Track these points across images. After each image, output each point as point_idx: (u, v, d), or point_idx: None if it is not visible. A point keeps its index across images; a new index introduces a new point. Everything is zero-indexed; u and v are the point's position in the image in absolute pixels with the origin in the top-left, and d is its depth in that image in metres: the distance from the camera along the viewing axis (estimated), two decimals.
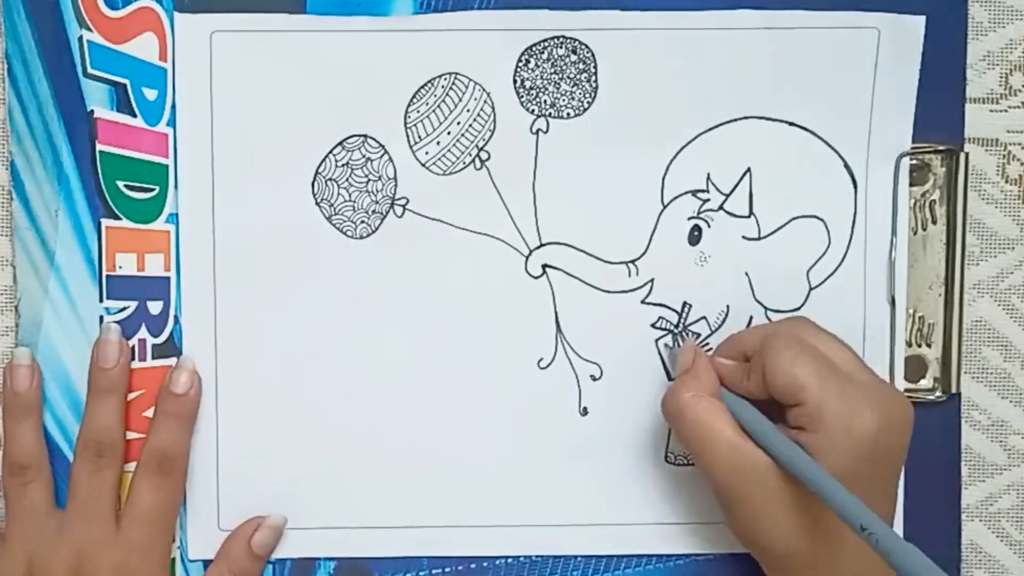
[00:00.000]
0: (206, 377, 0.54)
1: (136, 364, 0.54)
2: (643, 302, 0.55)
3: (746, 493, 0.48)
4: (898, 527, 0.55)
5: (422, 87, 0.53)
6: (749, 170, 0.54)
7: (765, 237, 0.54)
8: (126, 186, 0.53)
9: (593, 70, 0.53)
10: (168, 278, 0.54)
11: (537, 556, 0.55)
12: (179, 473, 0.53)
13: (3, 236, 0.54)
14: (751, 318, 0.55)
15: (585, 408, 0.55)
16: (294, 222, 0.54)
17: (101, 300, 0.54)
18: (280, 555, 0.55)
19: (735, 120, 0.54)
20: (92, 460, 0.52)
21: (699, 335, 0.55)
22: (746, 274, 0.55)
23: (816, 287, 0.55)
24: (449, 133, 0.53)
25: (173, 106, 0.53)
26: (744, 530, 0.49)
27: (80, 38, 0.52)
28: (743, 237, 0.54)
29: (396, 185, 0.54)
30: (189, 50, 0.53)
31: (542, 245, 0.54)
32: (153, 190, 0.53)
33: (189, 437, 0.54)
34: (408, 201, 0.54)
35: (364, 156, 0.54)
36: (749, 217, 0.54)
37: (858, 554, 0.47)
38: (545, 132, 0.54)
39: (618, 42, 0.53)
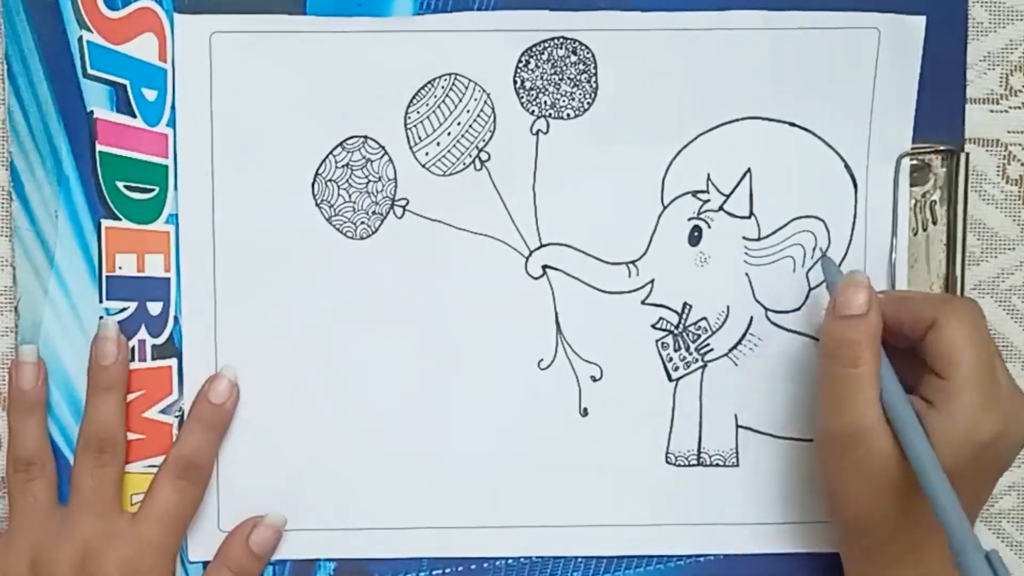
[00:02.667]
0: (205, 377, 0.54)
1: (136, 365, 0.54)
2: (643, 303, 0.55)
3: (860, 462, 0.48)
4: None
5: (422, 88, 0.53)
6: (749, 170, 0.54)
7: (765, 237, 0.54)
8: (126, 187, 0.53)
9: (593, 71, 0.53)
10: (168, 279, 0.54)
11: (537, 557, 0.55)
12: (203, 480, 0.53)
13: (3, 236, 0.54)
14: (751, 318, 0.55)
15: (585, 408, 0.55)
16: (294, 223, 0.54)
17: (101, 300, 0.54)
18: (280, 556, 0.55)
19: (735, 120, 0.54)
20: (94, 456, 0.52)
21: (701, 335, 0.55)
22: (746, 275, 0.55)
23: (816, 287, 0.54)
24: (449, 134, 0.53)
25: (173, 106, 0.53)
26: (841, 493, 0.49)
27: (80, 38, 0.52)
28: (743, 237, 0.54)
29: (396, 186, 0.54)
30: (189, 50, 0.53)
31: (542, 246, 0.54)
32: (153, 190, 0.53)
33: (218, 446, 0.54)
34: (408, 202, 0.54)
35: (364, 157, 0.54)
36: (749, 217, 0.54)
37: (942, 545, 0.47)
38: (545, 133, 0.54)
39: (618, 42, 0.53)
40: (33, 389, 0.53)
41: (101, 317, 0.53)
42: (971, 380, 0.47)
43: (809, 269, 0.55)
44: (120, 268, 0.54)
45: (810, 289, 0.55)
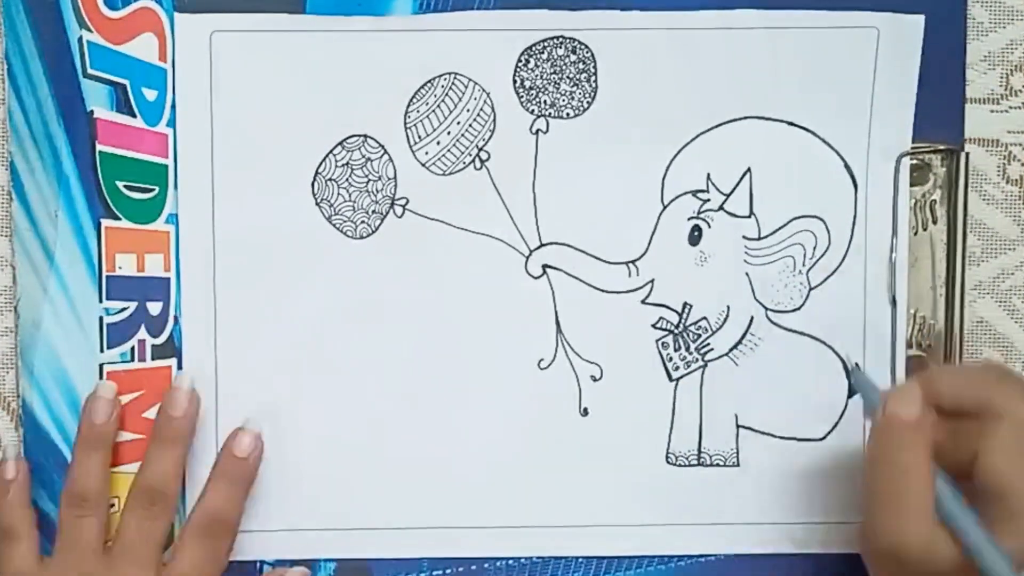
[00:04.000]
0: (206, 378, 0.54)
1: (136, 365, 0.54)
2: (643, 302, 0.55)
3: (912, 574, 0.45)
4: None
5: (422, 87, 0.53)
6: (749, 170, 0.54)
7: (765, 237, 0.54)
8: (126, 186, 0.53)
9: (593, 70, 0.53)
10: (168, 278, 0.54)
11: (537, 557, 0.55)
12: (230, 536, 0.53)
13: (3, 236, 0.54)
14: (751, 318, 0.55)
15: (585, 408, 0.55)
16: (294, 222, 0.54)
17: (101, 300, 0.54)
18: (280, 556, 0.54)
19: (735, 120, 0.54)
20: (144, 507, 0.52)
21: (701, 334, 0.55)
22: (746, 274, 0.55)
23: (816, 287, 0.54)
24: (449, 133, 0.53)
25: (173, 106, 0.53)
26: None
27: (80, 38, 0.53)
28: (743, 237, 0.54)
29: (396, 185, 0.54)
30: (189, 50, 0.53)
31: (542, 245, 0.54)
32: (153, 190, 0.53)
33: (244, 499, 0.53)
34: (408, 201, 0.54)
35: (364, 156, 0.54)
36: (749, 217, 0.54)
37: None
38: (545, 132, 0.54)
39: (618, 42, 0.53)
40: (104, 424, 0.52)
41: (101, 318, 0.53)
42: None
43: (809, 269, 0.55)
44: (120, 268, 0.54)
45: (810, 289, 0.55)
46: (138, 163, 0.53)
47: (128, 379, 0.54)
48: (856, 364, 0.54)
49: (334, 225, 0.54)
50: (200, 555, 0.52)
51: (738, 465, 0.55)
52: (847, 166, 0.54)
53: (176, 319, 0.54)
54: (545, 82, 0.53)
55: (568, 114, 0.54)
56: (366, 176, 0.54)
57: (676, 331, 0.55)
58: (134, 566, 0.51)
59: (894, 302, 0.55)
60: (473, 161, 0.54)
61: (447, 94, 0.53)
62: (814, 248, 0.54)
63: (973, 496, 0.45)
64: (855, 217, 0.54)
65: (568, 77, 0.53)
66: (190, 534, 0.52)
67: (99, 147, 0.53)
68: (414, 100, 0.53)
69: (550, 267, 0.54)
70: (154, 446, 0.52)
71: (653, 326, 0.55)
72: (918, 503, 0.44)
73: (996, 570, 0.43)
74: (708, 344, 0.55)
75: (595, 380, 0.55)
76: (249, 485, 0.53)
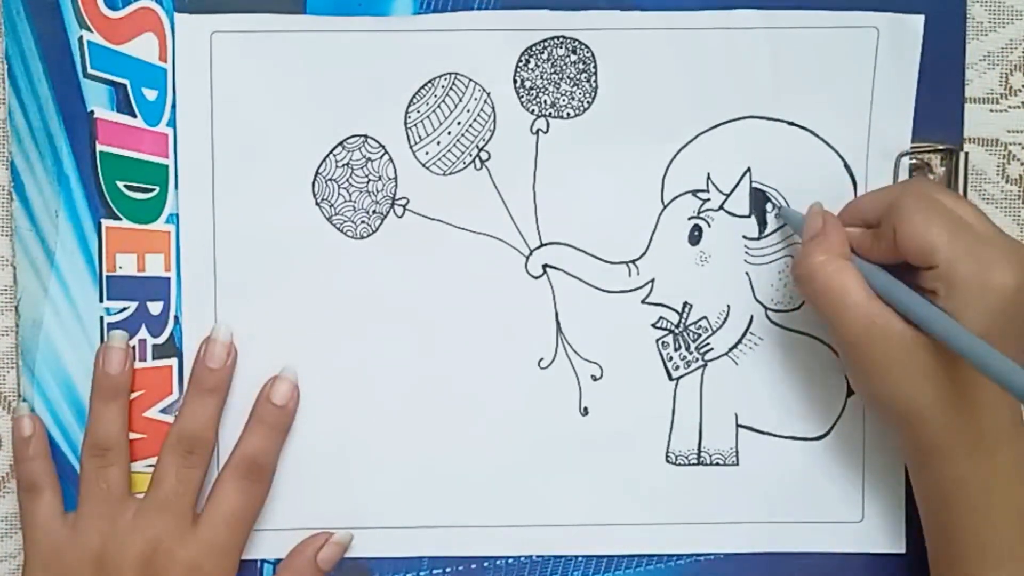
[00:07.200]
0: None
1: (136, 365, 0.54)
2: (643, 302, 0.55)
3: (881, 356, 0.48)
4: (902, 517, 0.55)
5: (422, 87, 0.53)
6: (749, 170, 0.54)
7: (765, 236, 0.54)
8: (126, 186, 0.53)
9: (593, 70, 0.53)
10: (168, 278, 0.54)
11: (537, 556, 0.55)
12: (266, 481, 0.53)
13: (3, 236, 0.54)
14: (751, 318, 0.55)
15: (585, 408, 0.55)
16: (294, 222, 0.54)
17: (101, 300, 0.54)
18: (282, 555, 0.54)
19: (735, 120, 0.54)
20: (182, 456, 0.52)
21: (701, 334, 0.55)
22: (746, 274, 0.55)
23: None
24: (449, 133, 0.53)
25: (173, 106, 0.53)
26: (878, 393, 0.49)
27: (80, 38, 0.53)
28: (743, 236, 0.54)
29: (396, 185, 0.54)
30: (189, 50, 0.53)
31: (542, 245, 0.54)
32: (153, 190, 0.53)
33: (280, 446, 0.54)
34: (408, 201, 0.54)
35: (364, 156, 0.54)
36: (749, 217, 0.54)
37: (999, 411, 0.48)
38: (545, 132, 0.54)
39: (618, 42, 0.53)
40: (119, 374, 0.53)
41: (101, 317, 0.53)
42: (957, 251, 0.47)
43: None
44: (120, 268, 0.54)
45: None
46: (138, 163, 0.53)
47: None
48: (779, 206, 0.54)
49: (334, 225, 0.54)
50: (238, 498, 0.52)
51: (737, 464, 0.55)
52: (847, 166, 0.54)
53: (176, 319, 0.54)
54: (545, 82, 0.53)
55: (568, 114, 0.54)
56: (366, 176, 0.54)
57: (676, 331, 0.55)
58: (170, 514, 0.52)
59: None
60: (473, 161, 0.54)
61: (447, 94, 0.53)
62: None
63: (919, 282, 0.48)
64: None
65: (568, 77, 0.53)
66: (229, 477, 0.53)
67: (99, 147, 0.53)
68: (414, 100, 0.53)
69: (550, 267, 0.54)
70: (192, 396, 0.53)
71: (653, 326, 0.55)
72: (848, 292, 0.48)
73: (940, 324, 0.46)
74: (708, 344, 0.55)
75: (595, 380, 0.55)
76: (286, 432, 0.54)
